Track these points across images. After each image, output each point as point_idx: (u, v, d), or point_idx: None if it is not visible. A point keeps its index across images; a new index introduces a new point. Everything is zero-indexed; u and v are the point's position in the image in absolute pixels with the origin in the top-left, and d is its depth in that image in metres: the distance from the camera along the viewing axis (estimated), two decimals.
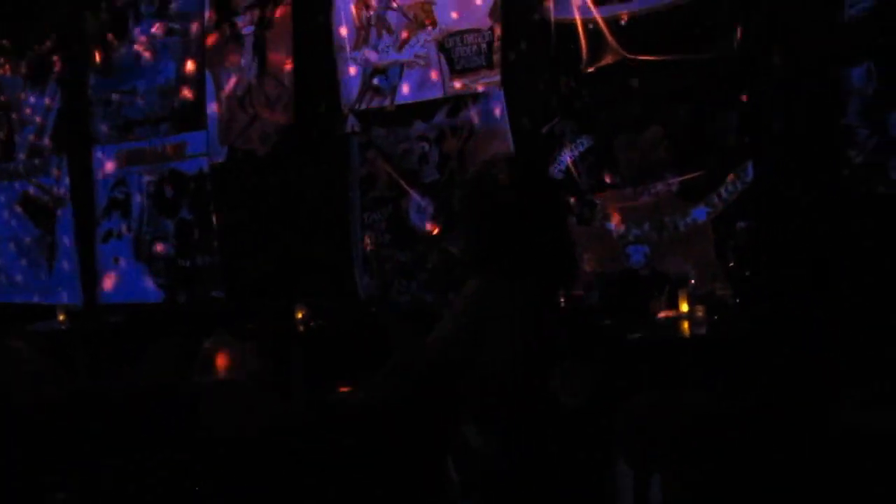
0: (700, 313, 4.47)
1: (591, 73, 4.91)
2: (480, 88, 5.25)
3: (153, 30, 6.92)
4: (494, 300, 2.84)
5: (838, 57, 4.35)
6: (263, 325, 5.36)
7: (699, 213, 4.76)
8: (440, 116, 5.45)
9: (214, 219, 6.58)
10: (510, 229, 2.86)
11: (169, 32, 6.87)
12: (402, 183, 5.62)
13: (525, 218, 2.87)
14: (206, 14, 6.58)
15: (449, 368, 2.98)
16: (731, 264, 4.67)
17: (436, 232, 5.42)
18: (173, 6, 6.81)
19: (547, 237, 2.91)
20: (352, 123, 5.78)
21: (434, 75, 5.41)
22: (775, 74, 4.50)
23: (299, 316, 5.74)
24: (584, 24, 4.91)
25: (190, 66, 6.72)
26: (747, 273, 4.61)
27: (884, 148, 4.30)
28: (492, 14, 5.20)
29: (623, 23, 4.83)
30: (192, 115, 6.73)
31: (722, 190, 4.67)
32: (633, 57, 4.79)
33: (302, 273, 6.02)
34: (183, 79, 6.79)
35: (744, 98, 4.52)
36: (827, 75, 4.37)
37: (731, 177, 4.63)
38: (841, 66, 4.32)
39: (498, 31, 5.20)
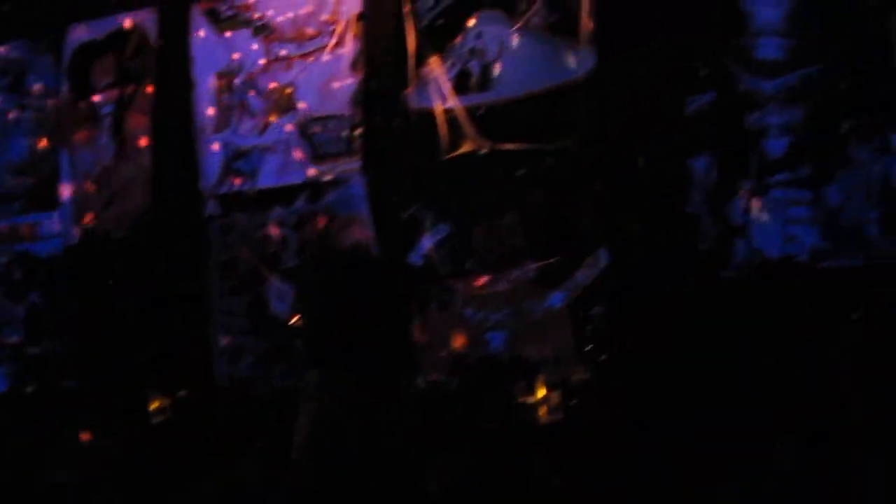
0: (556, 399, 4.59)
1: (450, 160, 5.07)
2: (341, 174, 5.35)
3: (5, 105, 6.82)
4: (324, 393, 2.85)
5: (683, 149, 4.66)
6: (117, 417, 5.23)
7: (556, 299, 4.92)
8: (301, 202, 5.48)
9: (67, 304, 6.43)
10: (328, 321, 2.87)
11: (22, 108, 6.77)
12: (262, 269, 5.67)
13: (343, 310, 2.89)
14: (63, 90, 6.51)
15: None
16: (589, 349, 4.88)
17: (296, 319, 5.42)
18: (28, 81, 6.71)
19: (372, 329, 2.95)
20: (211, 207, 5.80)
21: (295, 160, 5.45)
22: (628, 164, 4.80)
23: (154, 406, 5.64)
24: (444, 112, 5.08)
25: (44, 143, 6.60)
26: (604, 357, 4.84)
27: (726, 235, 4.63)
28: (353, 100, 5.30)
29: (481, 112, 5.03)
30: (45, 195, 6.56)
31: (578, 275, 4.87)
32: (490, 145, 5.01)
33: (158, 362, 5.92)
34: (37, 156, 6.65)
35: (595, 186, 4.78)
36: (673, 166, 4.66)
37: (586, 262, 4.85)
38: (685, 157, 4.64)
39: (359, 118, 5.32)
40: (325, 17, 5.35)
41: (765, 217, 4.49)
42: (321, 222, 5.28)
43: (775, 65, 4.44)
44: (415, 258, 5.15)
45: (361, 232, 5.19)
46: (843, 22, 4.37)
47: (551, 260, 4.85)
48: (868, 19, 4.34)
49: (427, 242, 5.13)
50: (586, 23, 4.76)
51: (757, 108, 4.47)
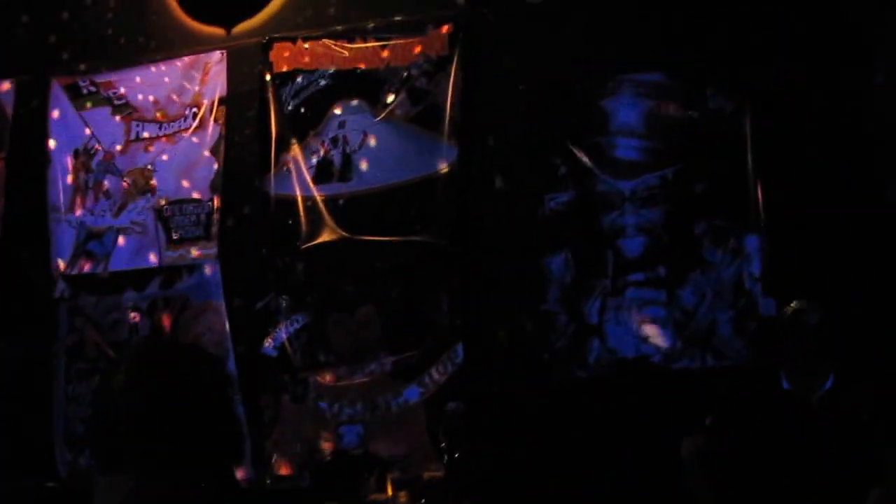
0: (403, 499, 4.39)
1: (308, 249, 4.88)
2: (197, 260, 5.10)
3: None
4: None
5: (541, 246, 4.59)
6: None
7: (411, 394, 4.73)
8: (154, 287, 5.20)
9: None
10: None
11: None
12: (111, 354, 5.31)
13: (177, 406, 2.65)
14: None
15: None
16: (443, 445, 4.69)
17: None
18: None
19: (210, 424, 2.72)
20: (61, 289, 5.43)
21: (150, 244, 5.20)
22: (487, 260, 4.70)
23: None
24: (304, 200, 4.92)
25: None
26: (458, 455, 4.65)
27: (581, 333, 4.54)
28: (212, 185, 5.10)
29: (341, 202, 4.88)
30: None
31: (434, 371, 4.70)
32: (349, 236, 4.83)
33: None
34: None
35: (453, 281, 4.66)
36: (530, 264, 4.58)
37: (442, 358, 4.70)
38: (541, 256, 4.56)
39: (217, 203, 5.10)
40: (187, 99, 5.17)
41: (620, 317, 4.46)
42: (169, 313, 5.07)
43: (633, 165, 4.45)
44: (269, 349, 4.93)
45: (215, 320, 4.97)
46: (698, 126, 4.42)
47: (407, 354, 4.72)
48: (724, 124, 4.39)
49: (282, 333, 4.92)
50: (450, 116, 4.72)
51: (614, 208, 4.47)
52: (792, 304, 3.90)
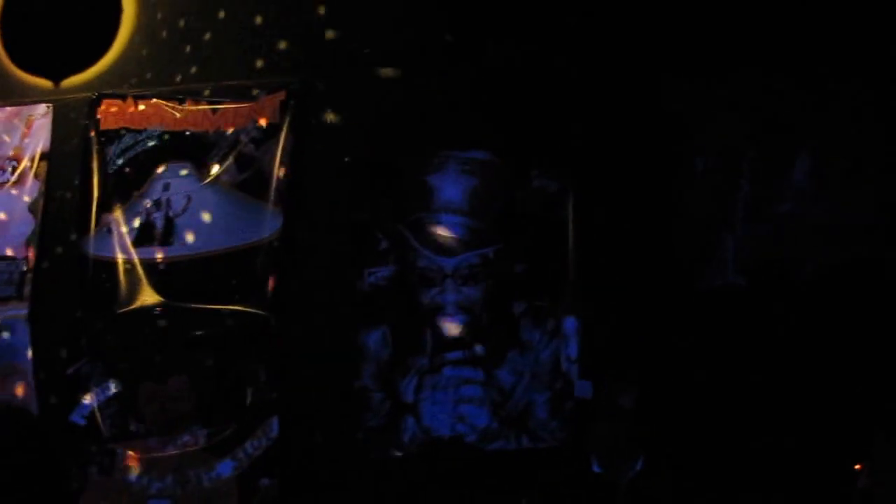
0: None
1: (124, 314, 4.56)
2: (5, 320, 4.68)
3: None
4: None
5: (358, 321, 4.38)
6: None
7: (224, 468, 4.41)
8: None
9: None
10: None
11: None
12: None
13: None
14: None
15: None
16: None
17: None
18: None
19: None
20: None
21: None
22: (303, 332, 4.48)
23: None
24: (123, 263, 4.59)
25: None
26: None
27: (396, 411, 4.33)
28: (28, 242, 4.75)
29: (161, 266, 4.57)
30: None
31: (248, 445, 4.41)
32: (167, 302, 4.53)
33: None
34: None
35: (271, 353, 4.42)
36: (345, 339, 4.38)
37: (257, 432, 4.43)
38: (358, 331, 4.35)
39: (31, 262, 4.74)
40: (7, 151, 4.84)
41: (437, 396, 4.26)
42: None
43: (455, 242, 4.27)
44: (76, 417, 4.58)
45: (20, 385, 4.63)
46: (522, 205, 4.28)
47: (221, 427, 4.42)
48: (547, 204, 4.29)
49: (91, 401, 4.59)
50: (276, 184, 4.50)
51: (434, 285, 4.29)
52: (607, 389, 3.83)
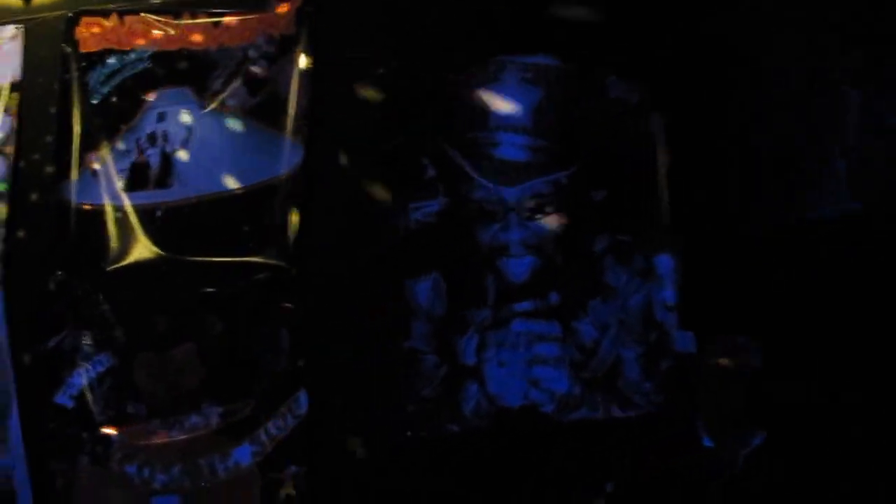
0: None
1: (115, 272, 3.57)
2: None
3: None
4: None
5: (403, 269, 3.41)
6: None
7: (242, 455, 3.43)
8: None
9: None
10: None
11: None
12: None
13: None
14: None
15: None
16: None
17: None
18: None
19: None
20: None
21: None
22: (337, 285, 3.53)
23: None
24: (112, 211, 3.60)
25: None
26: None
27: (454, 378, 3.38)
28: None
29: (159, 214, 3.59)
30: None
31: (270, 426, 3.46)
32: (167, 255, 3.55)
33: None
34: None
35: (295, 313, 3.47)
36: (390, 291, 3.42)
37: (281, 409, 3.48)
38: (404, 281, 3.38)
39: (3, 215, 3.71)
40: None
41: (504, 356, 3.32)
42: None
43: (518, 167, 3.29)
44: (62, 398, 3.60)
45: None
46: (598, 120, 3.33)
47: (238, 405, 3.47)
48: (628, 118, 3.34)
49: (79, 379, 3.57)
50: (294, 109, 3.56)
51: (495, 221, 3.32)
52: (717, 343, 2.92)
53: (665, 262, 3.23)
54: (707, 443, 2.90)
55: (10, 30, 3.82)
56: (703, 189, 3.23)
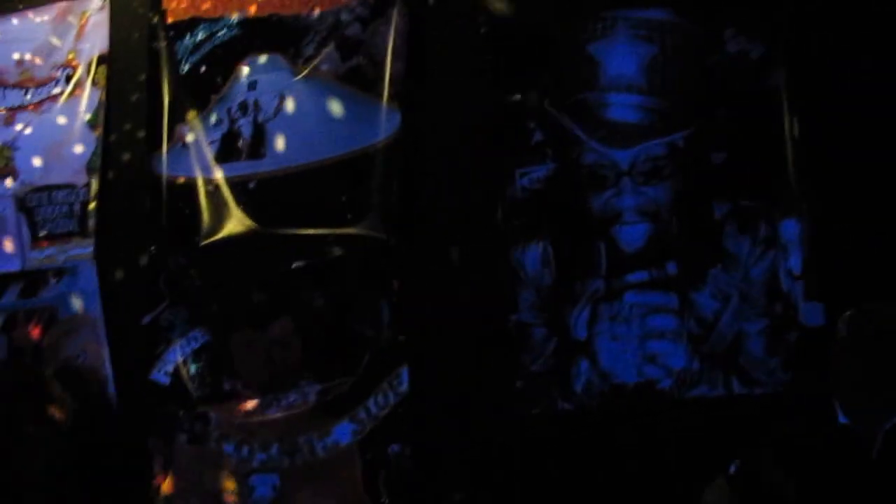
0: None
1: (209, 246, 3.46)
2: (68, 261, 3.64)
3: None
4: None
5: (510, 237, 3.24)
6: None
7: (342, 433, 3.29)
8: (11, 296, 3.72)
9: None
10: None
11: None
12: None
13: None
14: None
15: None
16: (384, 501, 3.34)
17: None
18: None
19: None
20: None
21: (8, 243, 3.75)
22: (440, 257, 3.36)
23: None
24: (205, 184, 3.50)
25: None
26: None
27: (565, 352, 3.20)
28: (90, 166, 3.67)
29: (252, 186, 3.45)
30: None
31: (371, 403, 3.33)
32: (262, 228, 3.43)
33: None
34: None
35: (395, 285, 3.33)
36: (497, 260, 3.24)
37: (382, 386, 3.35)
38: (511, 249, 3.19)
39: (95, 189, 3.66)
40: (60, 58, 3.77)
41: (617, 330, 3.12)
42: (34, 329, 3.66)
43: (631, 129, 3.06)
44: (159, 375, 3.50)
45: (90, 338, 3.60)
46: (717, 77, 3.08)
47: (337, 381, 3.33)
48: (749, 74, 3.11)
49: (175, 355, 3.46)
50: (391, 74, 3.39)
51: (608, 186, 3.10)
52: (850, 312, 2.68)
53: (791, 228, 2.99)
54: (842, 419, 2.68)
55: (97, 1, 3.73)
56: (832, 150, 3.01)
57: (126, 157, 3.63)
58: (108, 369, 3.52)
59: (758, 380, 2.99)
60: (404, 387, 3.24)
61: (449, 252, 3.22)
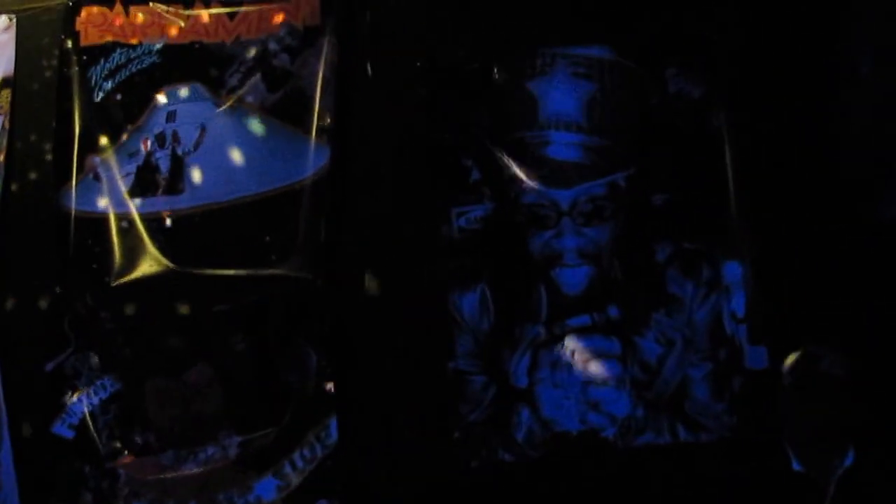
0: None
1: (119, 287, 3.23)
2: None
3: None
4: None
5: (447, 281, 3.12)
6: None
7: (266, 489, 3.08)
8: None
9: None
10: None
11: None
12: None
13: None
14: None
15: None
16: None
17: None
18: None
19: None
20: None
21: None
22: (366, 299, 3.23)
23: None
24: (117, 220, 3.27)
25: None
26: None
27: (505, 400, 3.05)
28: None
29: (168, 223, 3.23)
30: None
31: (296, 456, 3.14)
32: (179, 268, 3.22)
33: None
34: None
35: (322, 330, 3.16)
36: (432, 304, 3.13)
37: (308, 438, 3.17)
38: (447, 293, 3.03)
39: None
40: None
41: (558, 376, 3.04)
42: None
43: (571, 169, 3.00)
44: (62, 428, 3.23)
45: None
46: (658, 117, 3.05)
47: (260, 434, 3.12)
48: (691, 115, 3.08)
49: (82, 405, 3.21)
50: (320, 106, 3.24)
51: (547, 227, 3.02)
52: (794, 355, 2.66)
53: (734, 270, 2.97)
54: (796, 466, 2.64)
55: (3, 20, 3.49)
56: (774, 191, 3.01)
57: (31, 189, 3.37)
58: (4, 421, 3.27)
59: (704, 425, 2.94)
60: (333, 438, 3.06)
61: (380, 295, 3.11)
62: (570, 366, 2.97)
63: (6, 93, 3.46)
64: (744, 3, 3.05)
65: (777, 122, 3.00)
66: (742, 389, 2.90)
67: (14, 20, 3.51)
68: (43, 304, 3.28)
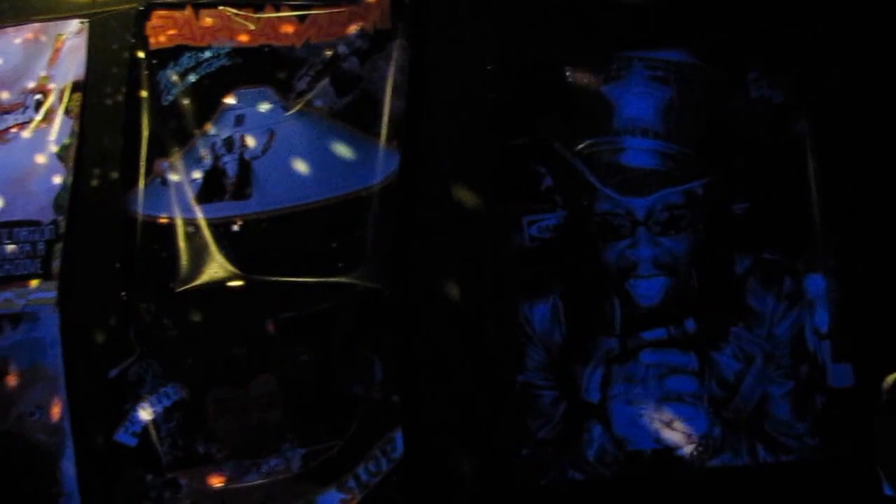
0: None
1: (185, 294, 3.23)
2: (28, 306, 3.35)
3: None
4: None
5: (517, 290, 3.08)
6: None
7: (329, 503, 3.17)
8: None
9: None
10: None
11: None
12: None
13: None
14: None
15: None
16: None
17: None
18: None
19: None
20: None
21: None
22: (435, 311, 3.19)
23: None
24: (184, 225, 3.29)
25: None
26: None
27: (576, 417, 2.99)
28: (57, 202, 3.43)
29: (235, 228, 3.26)
30: None
31: (361, 470, 3.12)
32: (245, 275, 3.23)
33: None
34: None
35: (389, 340, 3.12)
36: (502, 316, 3.07)
37: (374, 451, 3.14)
38: (517, 305, 3.02)
39: (62, 228, 3.40)
40: (29, 82, 3.54)
41: (632, 392, 2.96)
42: None
43: (647, 176, 2.96)
44: (125, 436, 3.24)
45: (48, 393, 3.36)
46: (737, 123, 3.00)
47: (324, 445, 3.06)
48: (772, 121, 3.01)
49: (144, 414, 3.24)
50: (389, 112, 3.25)
51: (622, 236, 2.97)
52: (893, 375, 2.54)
53: (817, 283, 2.89)
54: (888, 491, 2.52)
55: (75, 24, 3.56)
56: (859, 201, 2.91)
57: (99, 193, 3.42)
58: (67, 428, 3.29)
59: (784, 446, 2.86)
60: (398, 452, 3.04)
61: (449, 306, 3.06)
62: (644, 381, 2.91)
63: (77, 96, 3.51)
64: (828, 8, 3.00)
65: (862, 129, 2.92)
66: (825, 409, 2.82)
67: (86, 24, 3.57)
68: (109, 309, 3.33)
